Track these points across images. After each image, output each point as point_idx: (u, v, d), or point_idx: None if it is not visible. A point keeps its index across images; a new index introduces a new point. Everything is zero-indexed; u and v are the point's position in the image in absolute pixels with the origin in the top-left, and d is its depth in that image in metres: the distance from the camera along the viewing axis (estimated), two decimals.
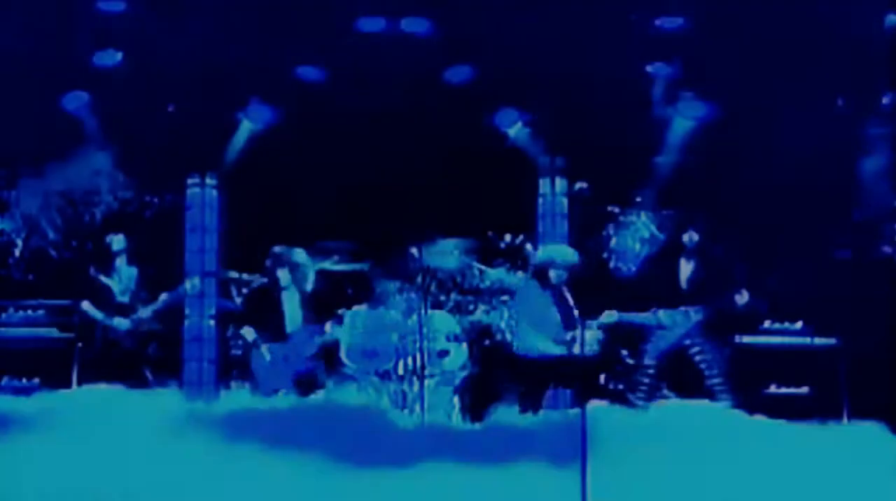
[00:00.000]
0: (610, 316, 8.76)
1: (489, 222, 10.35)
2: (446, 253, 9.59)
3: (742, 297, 8.95)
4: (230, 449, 6.61)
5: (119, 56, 9.86)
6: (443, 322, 9.25)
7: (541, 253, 9.28)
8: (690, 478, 6.57)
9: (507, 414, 8.38)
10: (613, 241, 10.52)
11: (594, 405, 7.54)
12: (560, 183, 10.48)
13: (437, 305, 9.34)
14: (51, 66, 9.70)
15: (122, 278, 9.06)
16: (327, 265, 9.47)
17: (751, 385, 8.96)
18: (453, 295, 9.81)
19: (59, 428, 6.67)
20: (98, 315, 8.98)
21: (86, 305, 9.01)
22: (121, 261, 9.10)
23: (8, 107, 9.54)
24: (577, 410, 7.06)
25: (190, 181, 10.47)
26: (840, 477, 6.65)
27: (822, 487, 6.56)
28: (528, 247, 9.85)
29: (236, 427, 7.03)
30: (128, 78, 9.85)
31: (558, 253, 9.12)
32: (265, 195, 10.05)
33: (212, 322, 10.32)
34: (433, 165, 9.96)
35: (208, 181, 10.48)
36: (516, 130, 10.27)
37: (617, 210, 10.46)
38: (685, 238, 9.06)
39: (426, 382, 8.99)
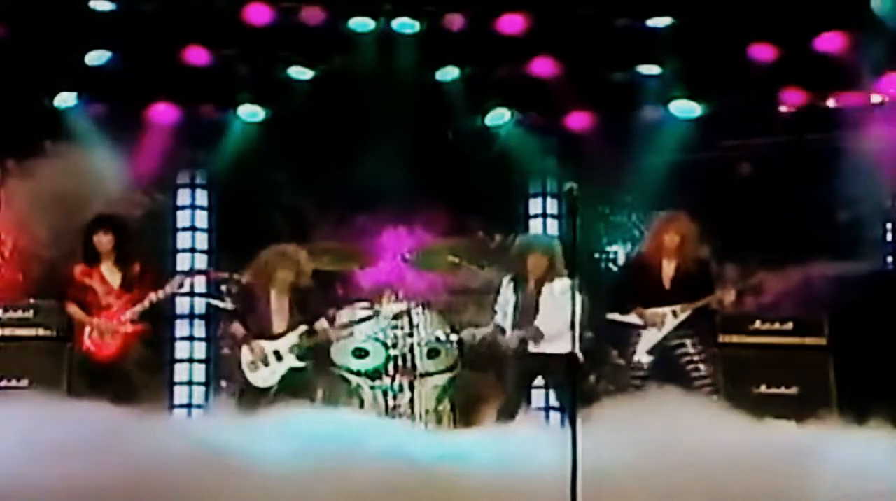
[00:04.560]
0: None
1: (480, 223, 10.38)
2: (436, 255, 9.59)
3: (730, 295, 8.91)
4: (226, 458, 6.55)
5: (109, 56, 9.85)
6: (433, 322, 9.25)
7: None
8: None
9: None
10: (604, 242, 10.58)
11: None
12: (550, 183, 10.53)
13: (428, 305, 9.32)
14: (42, 64, 9.69)
15: (106, 279, 8.93)
16: (318, 266, 9.43)
17: (738, 383, 8.94)
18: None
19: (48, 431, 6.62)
20: (83, 316, 8.88)
21: (71, 307, 8.92)
22: (106, 263, 8.96)
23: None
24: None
25: (180, 181, 10.52)
26: None
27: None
28: None
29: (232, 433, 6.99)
30: (118, 77, 9.84)
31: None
32: (255, 195, 10.07)
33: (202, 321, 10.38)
34: (424, 166, 9.97)
35: (199, 180, 10.52)
36: (507, 130, 10.29)
37: (607, 210, 10.51)
38: (670, 238, 8.93)
39: (417, 383, 9.01)
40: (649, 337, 8.84)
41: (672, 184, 9.80)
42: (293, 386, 8.77)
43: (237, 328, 9.01)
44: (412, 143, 9.90)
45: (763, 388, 9.08)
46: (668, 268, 8.93)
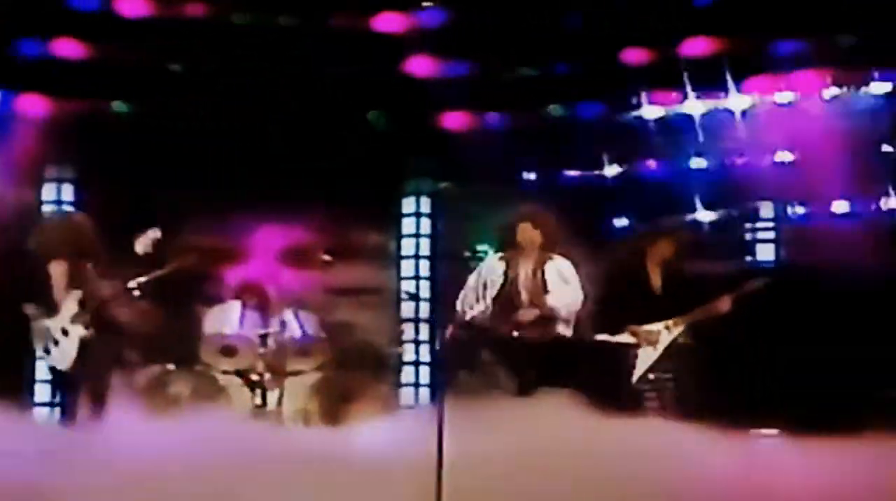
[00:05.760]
0: None
1: (354, 221, 10.35)
2: (305, 252, 9.55)
3: (725, 304, 8.32)
4: None
5: None
6: (304, 320, 9.21)
7: None
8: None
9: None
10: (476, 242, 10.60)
11: None
12: (425, 182, 10.57)
13: (299, 304, 9.28)
14: None
15: None
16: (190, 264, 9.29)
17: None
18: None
19: None
20: None
21: None
22: None
23: None
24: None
25: (47, 175, 10.31)
26: None
27: None
28: None
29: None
30: None
31: None
32: (125, 191, 9.90)
33: None
34: (300, 163, 9.92)
35: (66, 175, 10.32)
36: (383, 128, 10.29)
37: (481, 210, 10.54)
38: (662, 248, 8.44)
39: (286, 381, 8.96)
40: (645, 358, 8.24)
41: (543, 184, 9.91)
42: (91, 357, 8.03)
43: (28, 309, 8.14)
44: (289, 140, 9.84)
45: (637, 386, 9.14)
46: (657, 279, 8.38)
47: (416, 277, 10.67)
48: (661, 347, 8.22)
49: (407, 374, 10.45)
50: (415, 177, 10.60)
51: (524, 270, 8.20)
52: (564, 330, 8.11)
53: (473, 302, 8.26)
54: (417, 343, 10.48)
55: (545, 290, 8.10)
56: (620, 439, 6.92)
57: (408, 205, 10.70)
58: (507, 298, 8.18)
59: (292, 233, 9.92)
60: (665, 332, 8.23)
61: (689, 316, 8.24)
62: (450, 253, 10.49)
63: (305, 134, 10.03)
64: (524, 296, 8.15)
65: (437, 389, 9.76)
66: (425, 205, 10.67)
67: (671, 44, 9.63)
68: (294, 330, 9.12)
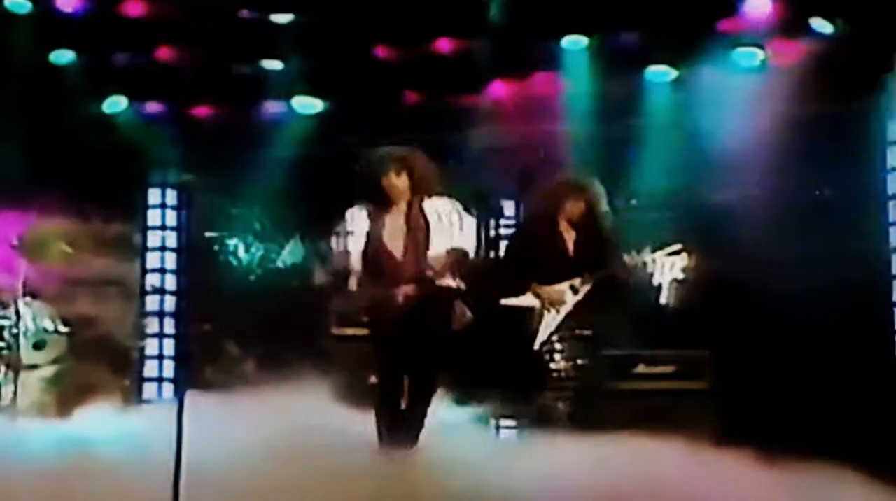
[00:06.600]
0: None
1: (97, 211, 10.13)
2: (45, 243, 9.28)
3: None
4: None
5: None
6: (41, 311, 8.95)
7: None
8: None
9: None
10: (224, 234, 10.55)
11: None
12: (170, 173, 10.43)
13: (35, 294, 9.02)
14: None
15: None
16: None
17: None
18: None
19: None
20: None
21: None
22: None
23: None
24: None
25: None
26: None
27: None
28: None
29: None
30: None
31: None
32: None
33: None
34: (38, 150, 9.62)
35: None
36: (127, 118, 10.08)
37: (227, 203, 10.49)
38: (573, 205, 7.84)
39: (21, 374, 8.70)
40: (549, 322, 7.65)
41: (293, 178, 9.91)
42: None
43: None
44: (25, 126, 9.53)
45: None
46: (570, 238, 7.82)
47: (162, 270, 10.53)
48: (564, 310, 7.65)
49: (150, 368, 10.29)
50: (160, 168, 10.43)
51: (392, 224, 6.80)
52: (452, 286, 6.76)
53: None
54: (161, 336, 10.34)
55: (427, 243, 6.72)
56: (368, 432, 7.01)
57: (154, 196, 10.53)
58: (375, 261, 6.80)
59: (28, 221, 9.62)
60: (569, 293, 7.67)
61: (595, 274, 7.68)
62: (196, 246, 10.45)
63: (45, 120, 9.73)
64: (398, 256, 6.76)
65: (181, 384, 9.66)
66: (171, 196, 10.53)
67: (424, 42, 9.77)
68: (29, 323, 8.87)
